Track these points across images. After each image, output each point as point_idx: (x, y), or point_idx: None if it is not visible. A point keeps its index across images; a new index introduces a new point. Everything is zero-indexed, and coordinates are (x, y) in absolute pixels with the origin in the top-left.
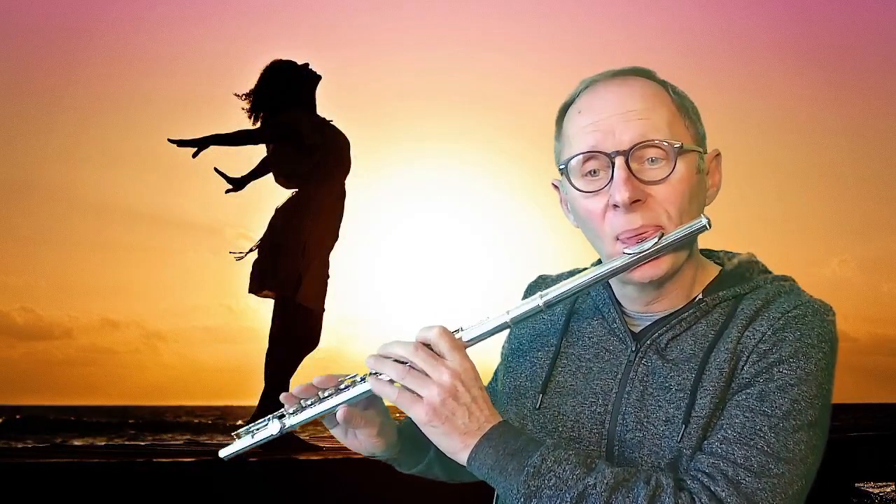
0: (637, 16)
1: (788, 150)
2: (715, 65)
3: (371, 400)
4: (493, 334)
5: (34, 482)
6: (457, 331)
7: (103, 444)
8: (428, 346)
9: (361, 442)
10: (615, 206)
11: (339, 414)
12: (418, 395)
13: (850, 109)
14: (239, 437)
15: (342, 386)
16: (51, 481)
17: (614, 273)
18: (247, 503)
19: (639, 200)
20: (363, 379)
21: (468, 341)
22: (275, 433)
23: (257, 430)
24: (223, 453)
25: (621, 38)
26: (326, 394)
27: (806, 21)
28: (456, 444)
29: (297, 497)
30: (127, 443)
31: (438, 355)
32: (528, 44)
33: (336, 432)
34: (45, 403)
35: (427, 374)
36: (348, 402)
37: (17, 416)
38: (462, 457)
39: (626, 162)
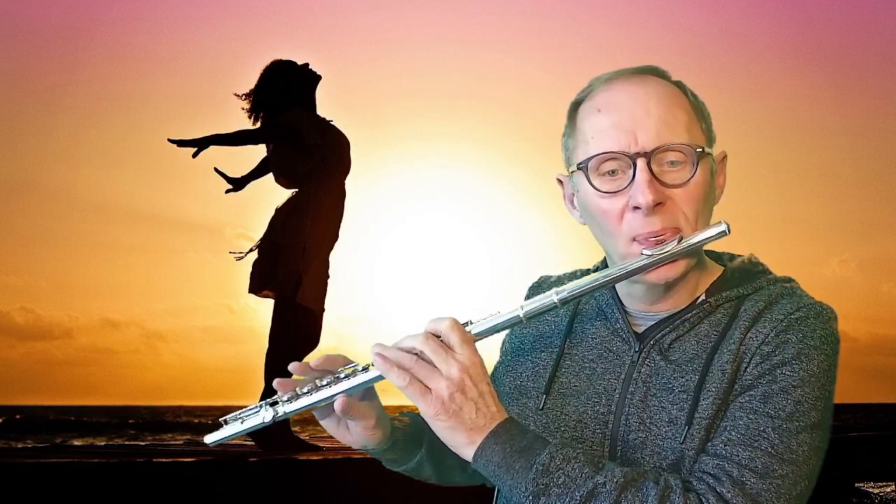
0: (637, 16)
1: (788, 150)
2: (715, 65)
3: (367, 391)
4: (504, 328)
5: (34, 482)
6: (466, 323)
7: (103, 444)
8: (437, 336)
9: (354, 435)
10: (636, 207)
11: (338, 404)
12: (426, 386)
13: (850, 109)
14: (227, 423)
15: (341, 375)
16: (51, 481)
17: (632, 273)
18: (247, 503)
19: (660, 203)
20: (364, 369)
21: (478, 334)
22: (267, 421)
23: (247, 416)
24: (209, 439)
25: (621, 38)
26: (324, 382)
27: (806, 21)
28: (462, 439)
29: (297, 497)
30: (127, 443)
31: (448, 347)
32: (528, 44)
33: (327, 424)
34: (45, 403)
35: (435, 366)
36: (347, 391)
37: (17, 416)
38: (467, 452)
39: (648, 164)
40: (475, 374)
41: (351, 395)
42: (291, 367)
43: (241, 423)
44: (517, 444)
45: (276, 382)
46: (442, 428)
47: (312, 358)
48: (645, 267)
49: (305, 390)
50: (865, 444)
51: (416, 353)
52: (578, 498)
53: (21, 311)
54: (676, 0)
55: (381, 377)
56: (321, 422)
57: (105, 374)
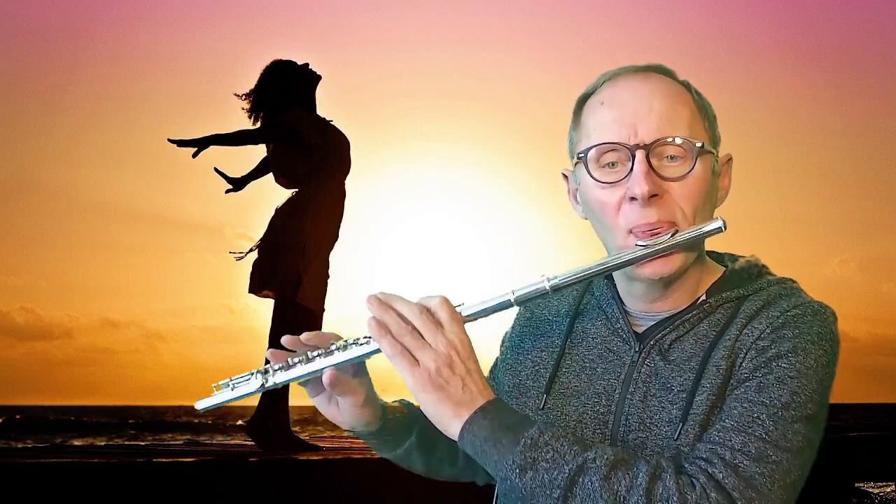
0: (637, 16)
1: (788, 150)
2: (715, 65)
3: (358, 369)
4: (494, 311)
5: (34, 482)
6: (458, 305)
7: (103, 444)
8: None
9: (344, 412)
10: (632, 199)
11: (325, 377)
12: (415, 358)
13: (850, 109)
14: (218, 389)
15: (333, 348)
16: (51, 481)
17: (625, 265)
18: (247, 503)
19: (656, 195)
20: (355, 343)
21: (468, 315)
22: (256, 388)
23: (238, 384)
24: (200, 405)
25: (621, 38)
26: (315, 354)
27: (806, 21)
28: (447, 413)
29: (297, 497)
30: (127, 443)
31: (438, 323)
32: (528, 44)
33: (318, 401)
34: (45, 403)
35: (426, 340)
36: (338, 365)
37: (17, 416)
38: (453, 427)
39: (647, 157)
40: (463, 351)
41: (342, 371)
42: (284, 339)
43: (232, 390)
44: (505, 420)
45: (269, 353)
46: (428, 402)
47: None
48: (638, 258)
49: (296, 361)
50: (865, 444)
51: (407, 323)
52: (567, 472)
53: (21, 311)
54: (676, 0)
55: (372, 352)
56: (312, 399)
57: (105, 374)
